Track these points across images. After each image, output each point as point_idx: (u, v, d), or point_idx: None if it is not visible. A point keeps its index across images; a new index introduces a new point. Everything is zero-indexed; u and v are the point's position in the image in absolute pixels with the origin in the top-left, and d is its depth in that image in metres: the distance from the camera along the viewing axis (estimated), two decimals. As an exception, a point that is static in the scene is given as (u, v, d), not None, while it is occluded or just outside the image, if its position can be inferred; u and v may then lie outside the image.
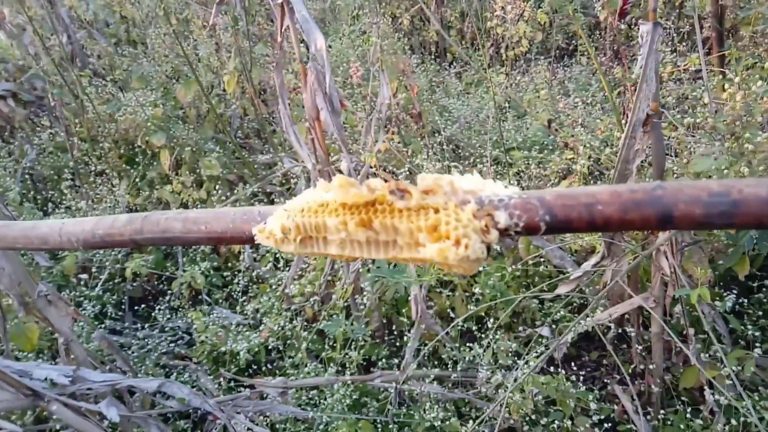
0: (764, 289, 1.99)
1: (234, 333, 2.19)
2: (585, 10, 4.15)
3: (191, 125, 2.99)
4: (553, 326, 2.01)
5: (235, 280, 2.48)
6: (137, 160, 2.90)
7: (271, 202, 2.72)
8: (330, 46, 3.62)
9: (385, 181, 0.43)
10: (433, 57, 4.30)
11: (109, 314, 2.42)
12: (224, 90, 2.98)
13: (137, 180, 2.84)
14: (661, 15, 3.43)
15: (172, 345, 2.32)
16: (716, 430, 1.61)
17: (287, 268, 2.37)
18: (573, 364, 2.04)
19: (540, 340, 1.97)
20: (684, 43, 2.85)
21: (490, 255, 0.43)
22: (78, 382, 1.63)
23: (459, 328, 2.09)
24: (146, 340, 2.30)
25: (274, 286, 2.31)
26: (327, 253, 0.45)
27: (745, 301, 1.94)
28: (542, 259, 2.15)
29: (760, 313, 1.88)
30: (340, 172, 2.11)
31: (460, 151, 2.95)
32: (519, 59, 3.81)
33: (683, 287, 1.47)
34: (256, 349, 2.15)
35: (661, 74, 1.89)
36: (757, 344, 1.74)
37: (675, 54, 2.74)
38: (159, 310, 2.41)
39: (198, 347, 2.23)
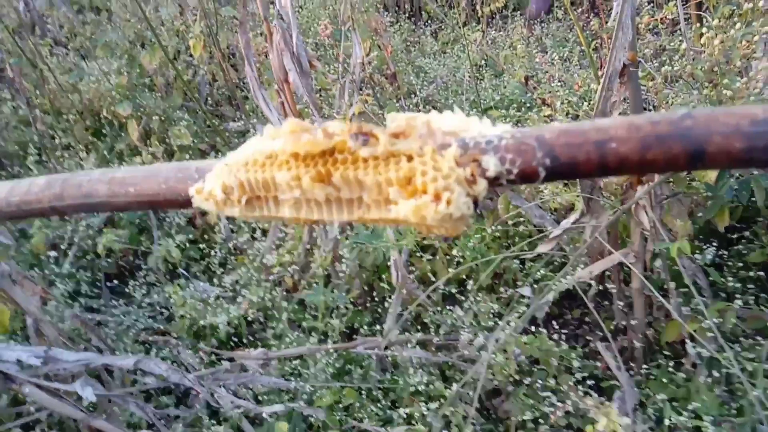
0: (744, 241, 1.99)
1: (213, 306, 2.15)
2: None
3: (159, 93, 2.88)
4: (535, 286, 1.99)
5: (213, 253, 2.42)
6: (104, 131, 2.80)
7: (246, 171, 2.65)
8: (301, 7, 3.49)
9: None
10: (407, 16, 4.18)
11: (84, 292, 2.36)
12: (192, 55, 2.87)
13: (105, 153, 2.75)
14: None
15: (151, 321, 2.28)
16: (698, 383, 1.62)
17: (265, 238, 2.32)
18: (555, 323, 2.04)
19: (522, 300, 1.95)
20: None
21: (477, 211, 0.34)
22: (50, 362, 1.58)
23: (441, 291, 2.07)
24: (123, 317, 2.25)
25: (252, 257, 2.26)
26: (279, 216, 0.37)
27: (725, 253, 1.94)
28: (522, 219, 2.13)
29: (740, 264, 1.88)
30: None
31: (437, 112, 2.89)
32: (495, 16, 3.72)
33: (663, 241, 1.45)
34: (237, 322, 2.11)
35: (639, 25, 1.84)
36: (738, 296, 1.74)
37: (652, 5, 2.67)
38: (135, 285, 2.35)
39: (177, 322, 2.19)
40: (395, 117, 0.35)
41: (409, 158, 0.33)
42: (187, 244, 2.49)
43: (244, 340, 2.11)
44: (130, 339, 2.15)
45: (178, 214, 2.59)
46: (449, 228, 0.33)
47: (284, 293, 2.20)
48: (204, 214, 2.62)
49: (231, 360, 1.84)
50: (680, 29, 1.73)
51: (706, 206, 1.79)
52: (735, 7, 1.41)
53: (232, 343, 2.12)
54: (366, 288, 2.18)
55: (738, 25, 1.16)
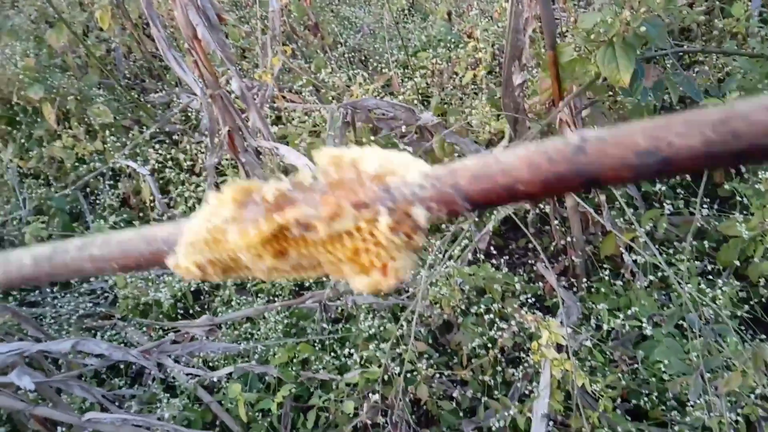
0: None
1: (155, 283, 2.09)
2: None
3: (72, 73, 2.73)
4: (476, 219, 2.00)
5: (150, 229, 2.34)
6: (18, 119, 2.64)
7: (175, 143, 2.56)
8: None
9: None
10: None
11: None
12: (102, 29, 2.71)
13: (23, 141, 2.60)
14: None
15: (94, 306, 2.20)
16: (636, 288, 1.66)
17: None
18: (503, 253, 2.06)
19: (467, 234, 1.96)
20: None
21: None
22: (-19, 357, 1.51)
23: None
24: (63, 306, 2.17)
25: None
26: (257, 277, 0.41)
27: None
28: (458, 155, 2.12)
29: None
30: (231, 92, 1.97)
31: (365, 60, 2.83)
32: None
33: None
34: (182, 294, 2.06)
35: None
36: (668, 201, 1.79)
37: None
38: (72, 273, 2.26)
39: (121, 303, 2.13)
40: (322, 154, 0.37)
41: (349, 233, 0.36)
42: (123, 225, 2.40)
43: (191, 312, 2.07)
44: (74, 327, 2.08)
45: (109, 196, 2.49)
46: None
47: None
48: (138, 192, 2.52)
49: (176, 331, 1.79)
50: None
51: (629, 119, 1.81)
52: None
53: (180, 317, 2.07)
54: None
55: None
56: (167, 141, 2.58)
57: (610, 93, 1.57)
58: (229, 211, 0.39)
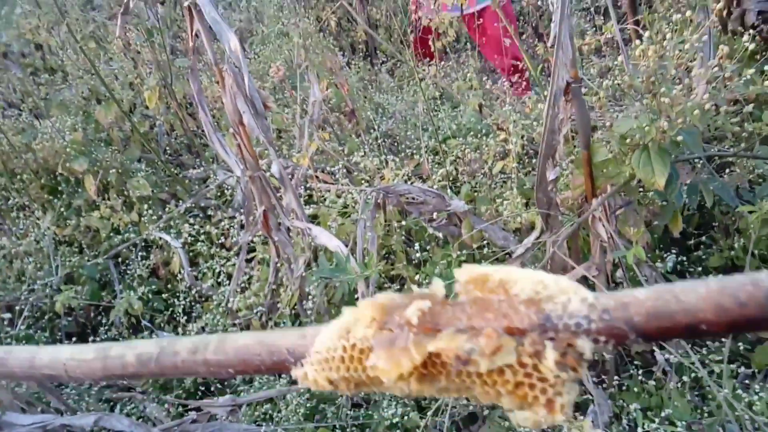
0: (702, 246, 2.04)
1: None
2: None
3: (116, 147, 2.85)
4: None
5: (177, 302, 2.37)
6: (60, 189, 2.75)
7: (208, 217, 2.62)
8: (257, 54, 3.54)
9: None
10: (363, 56, 4.27)
11: (43, 354, 2.27)
12: (147, 107, 2.86)
13: (62, 210, 2.69)
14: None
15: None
16: (669, 388, 1.62)
17: (230, 283, 2.28)
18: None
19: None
20: (602, 17, 2.91)
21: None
22: (5, 427, 1.51)
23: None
24: (86, 375, 2.16)
25: (218, 303, 2.22)
26: (393, 393, 0.39)
27: (685, 259, 1.98)
28: (486, 242, 2.14)
29: (700, 269, 1.91)
30: (272, 176, 2.04)
31: (396, 145, 2.92)
32: (447, 50, 3.82)
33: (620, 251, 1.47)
34: (204, 370, 2.05)
35: (581, 46, 1.91)
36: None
37: (595, 29, 2.79)
38: (96, 341, 2.27)
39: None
40: (463, 271, 0.36)
41: (510, 367, 0.33)
42: (151, 296, 2.43)
43: (212, 389, 2.05)
44: (93, 398, 2.07)
45: (139, 266, 2.53)
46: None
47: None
48: (167, 263, 2.57)
49: (198, 410, 1.77)
50: (621, 48, 1.80)
51: (662, 215, 1.82)
52: (669, 21, 1.47)
53: (200, 393, 2.05)
54: (336, 324, 2.15)
55: (669, 35, 1.22)
56: (201, 215, 2.65)
57: (642, 190, 1.60)
58: (368, 331, 0.37)
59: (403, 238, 2.24)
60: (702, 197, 1.55)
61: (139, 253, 2.59)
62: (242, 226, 2.20)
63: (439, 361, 0.35)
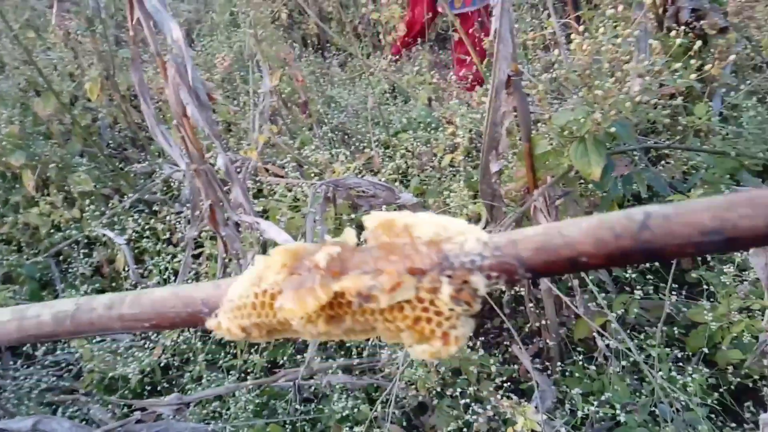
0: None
1: (123, 357, 2.03)
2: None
3: (56, 141, 2.75)
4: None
5: (122, 300, 2.30)
6: (-4, 184, 2.63)
7: (153, 213, 2.56)
8: (205, 45, 3.47)
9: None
10: (315, 50, 4.24)
11: (-21, 357, 2.18)
12: (90, 99, 2.76)
13: (-1, 207, 2.58)
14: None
15: (56, 380, 2.12)
16: (609, 373, 1.68)
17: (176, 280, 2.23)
18: (479, 333, 2.07)
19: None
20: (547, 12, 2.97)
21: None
22: (-67, 435, 1.44)
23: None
24: (25, 379, 2.08)
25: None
26: (303, 338, 0.41)
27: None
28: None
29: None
30: (215, 167, 2.00)
31: (348, 139, 2.92)
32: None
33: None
34: (150, 370, 2.00)
35: (527, 41, 1.94)
36: (638, 287, 1.84)
37: (541, 24, 2.84)
38: (37, 343, 2.19)
39: (86, 377, 2.06)
40: (372, 218, 0.38)
41: (409, 302, 0.36)
42: (94, 293, 2.36)
43: (159, 388, 2.00)
44: (34, 402, 1.99)
45: (82, 264, 2.45)
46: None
47: (202, 333, 2.11)
48: (112, 261, 2.50)
49: (143, 410, 1.73)
50: (560, 42, 1.84)
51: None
52: (603, 17, 1.51)
53: (146, 393, 2.00)
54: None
55: (602, 29, 1.25)
56: (146, 211, 2.58)
57: (582, 182, 1.64)
58: (278, 276, 0.38)
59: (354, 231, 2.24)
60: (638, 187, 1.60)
61: (82, 251, 2.50)
62: (189, 222, 2.15)
63: (345, 301, 0.37)
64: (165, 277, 2.30)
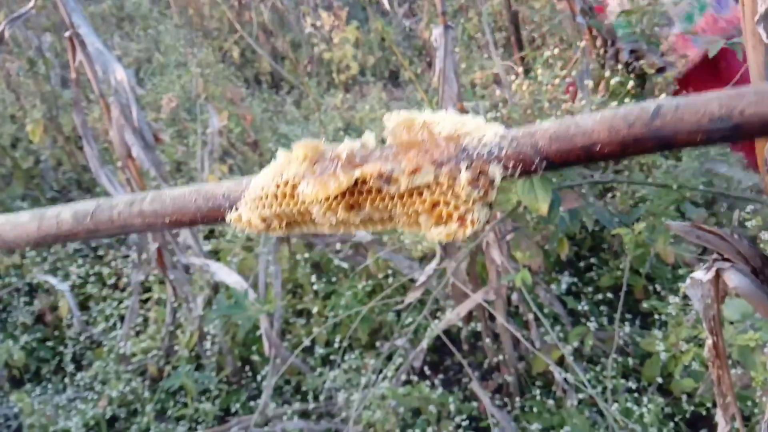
0: (594, 267, 2.15)
1: (65, 410, 1.92)
2: (412, 32, 4.34)
3: (-5, 184, 2.64)
4: (411, 336, 1.99)
5: (65, 350, 2.19)
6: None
7: (98, 258, 2.46)
8: (155, 84, 3.42)
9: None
10: (269, 87, 4.24)
11: None
12: (32, 141, 2.67)
13: (-69, 254, 2.43)
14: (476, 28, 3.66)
15: (-9, 439, 1.98)
16: (567, 407, 1.67)
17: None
18: (438, 369, 2.04)
19: (400, 352, 1.94)
20: (503, 50, 3.06)
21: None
22: None
23: (320, 355, 2.01)
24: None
25: (109, 348, 2.07)
26: (321, 232, 0.42)
27: (579, 281, 2.07)
28: (391, 271, 2.14)
29: (590, 289, 2.01)
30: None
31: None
32: (353, 83, 3.87)
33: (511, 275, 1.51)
34: (94, 422, 1.89)
35: (473, 80, 1.98)
36: (592, 319, 1.85)
37: (488, 59, 2.92)
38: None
39: (25, 434, 1.93)
40: (392, 117, 0.39)
41: (428, 185, 0.37)
42: (36, 344, 2.23)
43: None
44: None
45: (22, 312, 2.32)
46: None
47: (150, 383, 2.02)
48: (55, 308, 2.38)
49: (85, 468, 1.63)
50: (512, 81, 1.89)
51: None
52: (544, 58, 1.56)
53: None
54: (241, 363, 2.06)
55: (540, 70, 1.29)
56: (91, 255, 2.48)
57: (532, 217, 1.66)
58: (301, 168, 0.39)
59: (310, 271, 2.20)
60: (595, 221, 1.63)
61: (22, 299, 2.38)
62: (136, 266, 2.08)
63: (365, 189, 0.38)
64: (112, 323, 2.20)
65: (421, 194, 0.38)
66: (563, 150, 0.35)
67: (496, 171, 0.37)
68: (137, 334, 2.09)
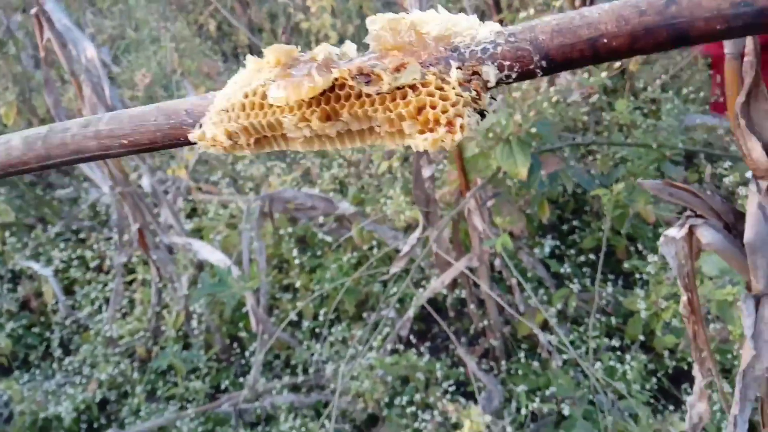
0: (577, 230, 2.16)
1: (55, 395, 1.92)
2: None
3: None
4: (398, 306, 2.01)
5: (52, 336, 2.18)
6: None
7: (82, 241, 2.44)
8: (130, 61, 3.34)
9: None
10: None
11: None
12: (5, 124, 2.61)
13: None
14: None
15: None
16: (553, 368, 1.70)
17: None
18: (426, 337, 2.06)
19: (386, 322, 1.95)
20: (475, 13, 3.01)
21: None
22: None
23: (309, 328, 2.02)
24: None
25: (96, 332, 2.06)
26: (292, 149, 0.38)
27: (562, 244, 2.08)
28: (376, 242, 2.14)
29: (573, 251, 2.02)
30: (140, 187, 1.93)
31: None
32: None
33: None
34: (85, 406, 1.90)
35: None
36: (575, 281, 1.87)
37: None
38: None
39: (17, 420, 1.93)
40: (376, 20, 0.35)
41: (413, 87, 0.33)
42: (22, 331, 2.22)
43: (96, 425, 1.90)
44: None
45: (7, 300, 2.31)
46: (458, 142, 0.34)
47: (139, 364, 2.02)
48: (39, 294, 2.36)
49: (77, 450, 1.64)
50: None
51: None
52: (520, 18, 1.53)
53: (82, 430, 1.90)
54: (229, 341, 2.07)
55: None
56: (73, 239, 2.46)
57: (514, 182, 1.66)
58: (272, 73, 0.35)
59: (294, 245, 2.20)
60: (576, 184, 1.63)
61: (6, 286, 2.36)
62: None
63: (343, 93, 0.34)
64: (98, 307, 2.19)
65: (405, 96, 0.33)
66: (566, 44, 0.31)
67: (490, 71, 0.33)
68: (124, 316, 2.08)
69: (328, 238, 2.12)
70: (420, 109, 0.34)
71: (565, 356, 1.71)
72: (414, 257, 1.92)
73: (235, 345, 2.04)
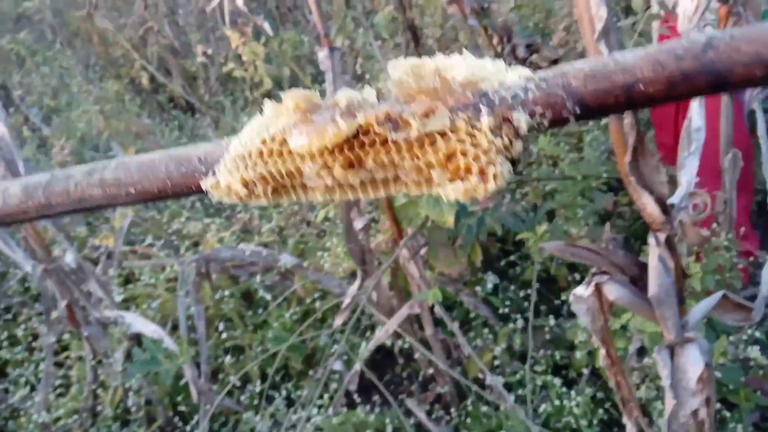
0: (519, 262, 2.16)
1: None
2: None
3: None
4: (346, 358, 1.96)
5: (-17, 424, 2.04)
6: None
7: (14, 317, 2.32)
8: (60, 122, 3.25)
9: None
10: (183, 111, 4.11)
11: None
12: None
13: None
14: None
15: None
16: (502, 409, 1.68)
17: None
18: (376, 389, 2.02)
19: (335, 377, 1.91)
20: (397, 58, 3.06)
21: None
22: None
23: (251, 393, 1.95)
24: None
25: (29, 417, 1.95)
26: (312, 199, 0.35)
27: (505, 280, 2.09)
28: (321, 291, 2.10)
29: (515, 286, 2.03)
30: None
31: (222, 204, 2.82)
32: (270, 98, 3.80)
33: (428, 288, 1.50)
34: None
35: (380, 90, 1.96)
36: (518, 316, 1.87)
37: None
38: None
39: None
40: (397, 65, 0.33)
41: (442, 134, 0.32)
42: (-52, 423, 2.08)
43: None
44: None
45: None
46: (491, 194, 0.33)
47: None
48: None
49: None
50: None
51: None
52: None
53: None
54: (172, 413, 1.98)
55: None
56: (3, 317, 2.33)
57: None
58: (292, 119, 0.34)
59: (236, 304, 2.14)
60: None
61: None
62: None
63: (368, 140, 0.33)
64: (31, 389, 2.07)
65: (433, 143, 0.32)
66: (600, 90, 0.31)
67: (521, 118, 0.32)
68: (59, 396, 1.97)
69: (268, 296, 2.07)
70: (450, 157, 0.33)
71: (516, 393, 1.70)
72: (357, 307, 1.89)
73: (177, 419, 1.95)
